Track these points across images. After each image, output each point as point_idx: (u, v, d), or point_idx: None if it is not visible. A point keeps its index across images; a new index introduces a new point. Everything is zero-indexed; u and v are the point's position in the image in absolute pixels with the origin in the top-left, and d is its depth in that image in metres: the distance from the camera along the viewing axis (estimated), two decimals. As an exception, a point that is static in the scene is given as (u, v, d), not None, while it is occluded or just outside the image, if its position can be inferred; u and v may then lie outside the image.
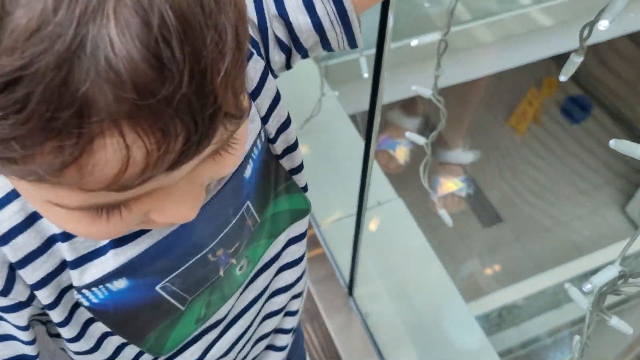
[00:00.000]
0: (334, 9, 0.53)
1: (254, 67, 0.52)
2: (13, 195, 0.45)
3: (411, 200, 1.67)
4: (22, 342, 0.52)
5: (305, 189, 0.64)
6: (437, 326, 1.50)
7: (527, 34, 2.40)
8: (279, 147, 0.58)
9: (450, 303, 1.51)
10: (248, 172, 0.54)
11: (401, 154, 2.42)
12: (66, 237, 0.47)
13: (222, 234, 0.54)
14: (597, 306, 0.76)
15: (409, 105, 2.48)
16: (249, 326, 0.68)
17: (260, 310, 0.70)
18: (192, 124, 0.31)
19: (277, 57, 0.55)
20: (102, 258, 0.49)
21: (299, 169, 0.62)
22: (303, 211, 0.65)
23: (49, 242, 0.47)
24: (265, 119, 0.55)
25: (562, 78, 0.78)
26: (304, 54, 0.57)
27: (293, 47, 0.55)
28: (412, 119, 2.50)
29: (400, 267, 1.56)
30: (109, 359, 0.58)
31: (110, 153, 0.30)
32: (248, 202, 0.56)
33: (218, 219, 0.54)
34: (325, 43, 0.56)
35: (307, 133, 1.73)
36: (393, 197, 1.61)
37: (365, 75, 1.36)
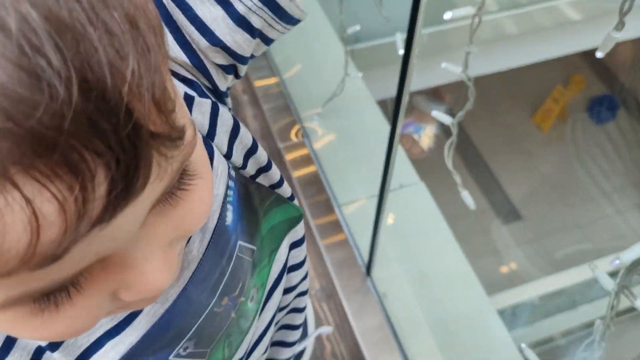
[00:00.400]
0: (266, 7, 0.47)
1: (200, 111, 0.47)
2: None
3: (433, 187, 1.66)
4: None
5: (292, 198, 0.61)
6: (454, 311, 1.49)
7: (556, 27, 2.37)
8: (251, 169, 0.54)
9: (468, 290, 1.50)
10: (229, 219, 0.50)
11: (424, 139, 2.41)
12: (52, 346, 0.42)
13: (221, 286, 0.50)
14: (622, 286, 0.75)
15: (435, 91, 2.47)
16: (267, 336, 0.67)
17: (278, 321, 0.69)
18: (109, 152, 0.24)
19: (222, 80, 0.51)
20: (101, 352, 0.44)
21: (280, 183, 0.58)
22: (296, 218, 0.62)
23: (37, 355, 0.42)
24: (228, 155, 0.50)
25: (599, 54, 0.76)
26: (250, 59, 0.52)
27: (237, 63, 0.50)
28: (438, 105, 2.48)
29: (419, 250, 1.55)
30: None
31: (8, 217, 0.22)
32: (239, 242, 0.52)
33: (213, 276, 0.49)
34: (266, 40, 0.51)
35: (329, 113, 1.72)
36: (415, 180, 1.60)
37: (401, 51, 1.36)
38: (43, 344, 0.42)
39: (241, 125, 0.51)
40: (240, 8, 0.46)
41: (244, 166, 0.53)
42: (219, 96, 0.52)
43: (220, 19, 0.45)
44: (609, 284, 0.77)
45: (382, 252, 1.48)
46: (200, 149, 0.35)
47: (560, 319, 2.54)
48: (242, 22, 0.46)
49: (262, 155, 0.54)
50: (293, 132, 1.74)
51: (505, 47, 2.33)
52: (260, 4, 0.46)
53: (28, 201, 0.22)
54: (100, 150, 0.23)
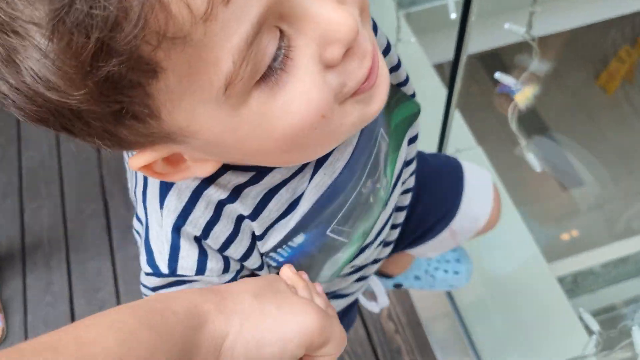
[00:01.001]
0: None
1: None
2: (197, 194, 0.50)
3: (493, 151, 1.63)
4: None
5: (413, 95, 0.65)
6: (512, 276, 1.48)
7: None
8: None
9: (526, 256, 1.48)
10: None
11: (522, 97, 2.31)
12: (253, 216, 0.52)
13: (368, 168, 0.57)
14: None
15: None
16: (385, 231, 0.73)
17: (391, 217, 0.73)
18: None
19: None
20: (283, 221, 0.54)
21: (405, 82, 0.63)
22: (415, 114, 0.66)
23: (239, 222, 0.53)
24: None
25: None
26: None
27: None
28: (542, 63, 2.37)
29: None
30: None
31: None
32: (381, 129, 0.58)
33: (364, 156, 0.56)
34: None
35: (385, 80, 1.71)
36: (473, 145, 1.57)
37: (453, 15, 1.33)
38: (245, 212, 0.52)
39: (377, 27, 0.56)
40: None
41: None
42: None
43: None
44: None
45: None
46: None
47: (624, 287, 2.48)
48: None
49: (393, 54, 0.59)
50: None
51: (571, 5, 2.24)
52: None
53: None
54: None
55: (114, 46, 0.30)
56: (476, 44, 2.05)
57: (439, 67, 1.80)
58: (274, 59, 0.36)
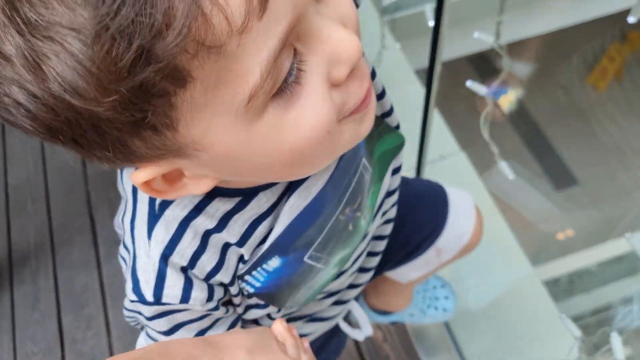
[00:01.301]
0: None
1: None
2: (184, 225, 0.51)
3: (476, 158, 1.63)
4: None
5: (397, 127, 0.67)
6: (500, 286, 1.47)
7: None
8: None
9: (515, 264, 1.48)
10: None
11: (506, 101, 2.30)
12: (240, 243, 0.54)
13: (347, 195, 0.58)
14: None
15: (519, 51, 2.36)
16: (361, 259, 0.74)
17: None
18: None
19: None
20: (263, 245, 0.55)
21: (390, 112, 0.65)
22: (399, 146, 0.68)
23: (224, 250, 0.54)
24: None
25: (631, 19, 0.73)
26: None
27: None
28: (525, 65, 2.35)
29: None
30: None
31: None
32: (363, 160, 0.60)
33: (342, 182, 0.57)
34: None
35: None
36: (455, 151, 1.57)
37: (431, 22, 1.33)
38: (231, 240, 0.53)
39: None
40: None
41: None
42: None
43: None
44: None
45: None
46: None
47: (620, 285, 2.46)
48: None
49: (377, 83, 0.61)
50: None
51: (554, 5, 2.24)
52: None
53: None
54: None
55: (155, 53, 0.32)
56: (457, 49, 2.05)
57: (422, 73, 1.80)
58: (289, 74, 0.38)
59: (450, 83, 1.67)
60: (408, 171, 1.55)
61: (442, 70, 1.22)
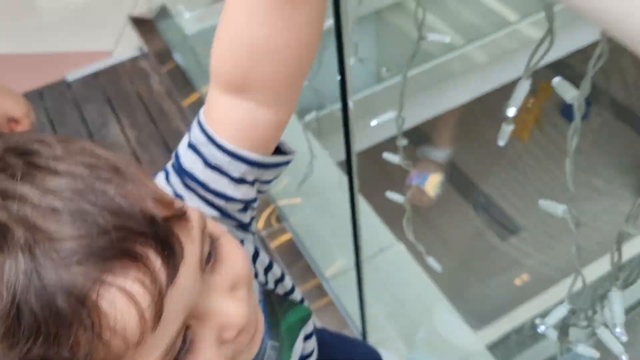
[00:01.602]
0: (254, 167, 0.58)
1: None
2: None
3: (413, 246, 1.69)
4: None
5: (302, 301, 0.73)
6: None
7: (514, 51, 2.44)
8: (270, 283, 0.69)
9: (463, 339, 1.53)
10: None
11: (431, 186, 2.40)
12: None
13: None
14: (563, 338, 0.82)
15: (432, 136, 2.50)
16: None
17: None
18: (152, 241, 0.39)
19: (244, 216, 0.63)
20: None
21: (292, 291, 0.71)
22: (307, 316, 0.74)
23: None
24: (265, 284, 0.66)
25: (501, 142, 0.84)
26: (259, 196, 0.64)
27: (250, 203, 0.62)
28: (439, 150, 2.49)
29: (408, 310, 1.59)
30: None
31: (119, 305, 0.37)
32: (268, 342, 0.64)
33: None
34: (266, 182, 0.63)
35: (306, 190, 1.78)
36: (393, 242, 1.64)
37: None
38: None
39: (260, 251, 0.66)
40: (235, 175, 0.58)
41: (266, 282, 0.67)
42: (246, 227, 0.65)
43: (226, 185, 0.58)
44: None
45: (373, 315, 1.52)
46: (216, 225, 0.50)
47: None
48: (240, 182, 0.59)
49: (277, 269, 0.69)
50: (272, 217, 1.80)
51: (467, 81, 2.40)
52: (248, 168, 0.58)
53: (125, 290, 0.37)
54: (148, 242, 0.38)
55: None
56: (365, 140, 2.13)
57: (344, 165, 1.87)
58: (182, 347, 0.44)
59: (377, 171, 1.76)
60: (353, 268, 1.61)
61: (364, 160, 1.28)
